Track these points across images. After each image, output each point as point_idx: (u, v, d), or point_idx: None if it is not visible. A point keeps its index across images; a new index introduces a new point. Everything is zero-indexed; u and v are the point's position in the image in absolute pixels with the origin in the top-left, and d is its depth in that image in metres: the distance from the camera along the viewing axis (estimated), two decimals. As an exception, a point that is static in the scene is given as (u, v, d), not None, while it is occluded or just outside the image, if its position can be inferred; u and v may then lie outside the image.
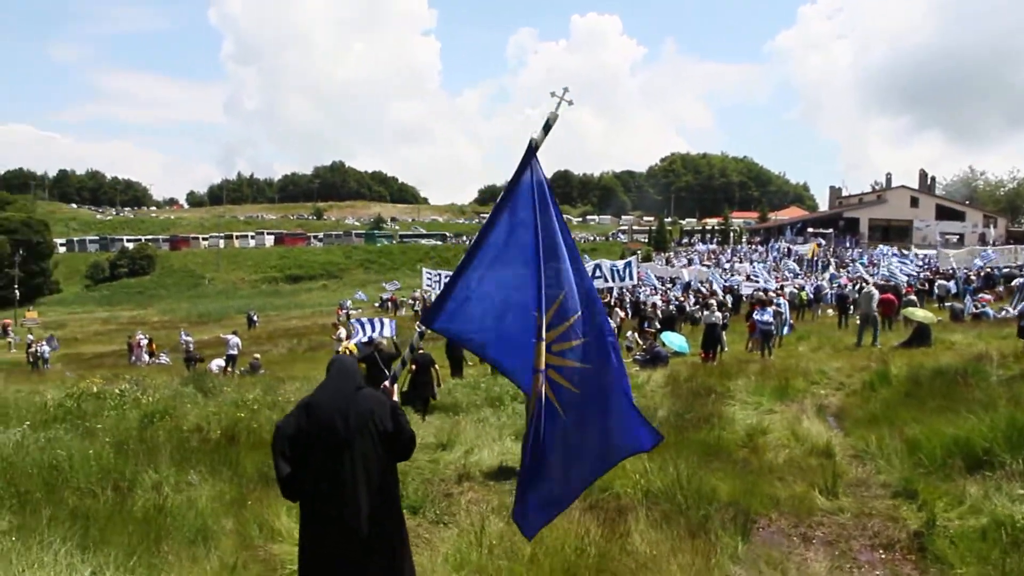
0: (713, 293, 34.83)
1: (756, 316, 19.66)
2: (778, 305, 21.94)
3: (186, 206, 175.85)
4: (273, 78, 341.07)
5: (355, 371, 4.08)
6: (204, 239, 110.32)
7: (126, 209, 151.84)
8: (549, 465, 4.07)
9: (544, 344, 4.09)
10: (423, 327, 4.59)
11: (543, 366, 4.05)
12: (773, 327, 19.44)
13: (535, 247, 4.36)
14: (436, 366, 13.67)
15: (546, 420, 4.04)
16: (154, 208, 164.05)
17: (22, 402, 14.92)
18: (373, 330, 14.52)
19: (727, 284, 42.39)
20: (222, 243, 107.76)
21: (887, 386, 12.50)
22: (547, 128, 4.47)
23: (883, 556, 5.60)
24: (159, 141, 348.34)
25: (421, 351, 14.51)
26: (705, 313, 20.58)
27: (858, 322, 21.69)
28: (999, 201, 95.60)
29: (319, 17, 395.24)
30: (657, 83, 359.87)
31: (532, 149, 4.49)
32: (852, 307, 30.38)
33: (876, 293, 21.39)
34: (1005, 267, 40.15)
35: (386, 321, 13.78)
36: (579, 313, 4.25)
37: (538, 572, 4.39)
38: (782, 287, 35.45)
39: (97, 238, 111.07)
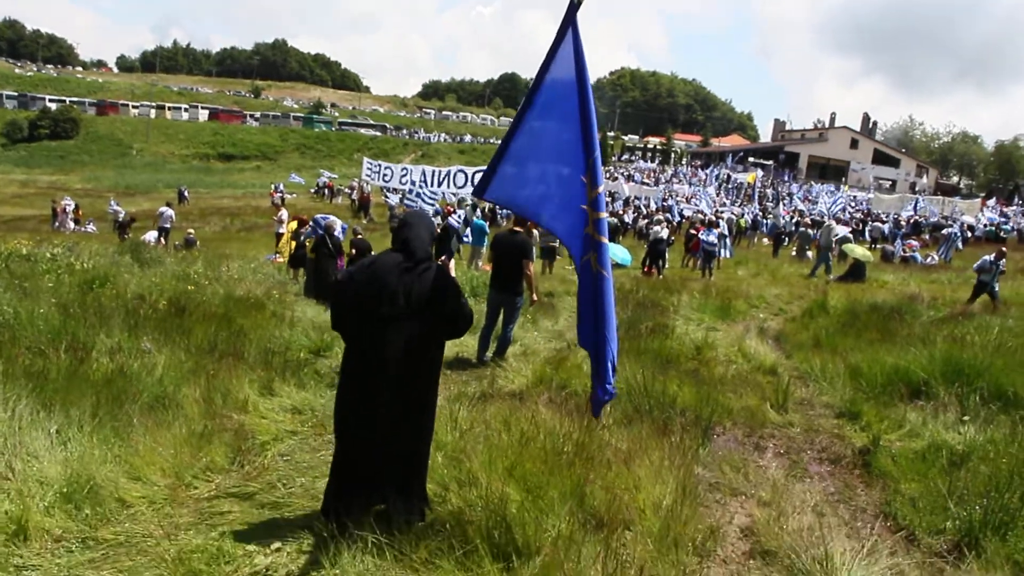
0: (660, 210, 35.22)
1: (702, 236, 19.99)
2: (721, 228, 22.31)
3: (116, 70, 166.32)
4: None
5: (425, 243, 4.03)
6: (134, 107, 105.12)
7: (49, 66, 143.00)
8: (611, 328, 4.27)
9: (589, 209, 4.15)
10: (475, 198, 4.63)
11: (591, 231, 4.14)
12: (717, 248, 19.80)
13: (580, 111, 4.32)
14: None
15: (602, 288, 4.18)
16: (80, 69, 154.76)
17: (-62, 260, 14.35)
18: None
19: (664, 204, 42.82)
20: (153, 113, 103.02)
21: (825, 315, 12.91)
22: None
23: (831, 469, 5.87)
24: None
25: (360, 236, 14.35)
26: (654, 229, 20.81)
27: (814, 253, 22.38)
28: (932, 153, 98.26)
29: None
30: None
31: (573, 6, 4.36)
32: (787, 239, 31.28)
33: (836, 227, 22.00)
34: (932, 217, 41.59)
35: (338, 223, 13.50)
36: (603, 185, 4.31)
37: (520, 457, 4.47)
38: (720, 212, 36.02)
39: (15, 94, 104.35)
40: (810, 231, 28.10)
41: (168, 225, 26.03)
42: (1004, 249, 16.78)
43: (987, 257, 15.22)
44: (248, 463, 5.06)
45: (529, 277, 8.65)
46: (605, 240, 4.36)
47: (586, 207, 4.33)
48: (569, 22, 4.38)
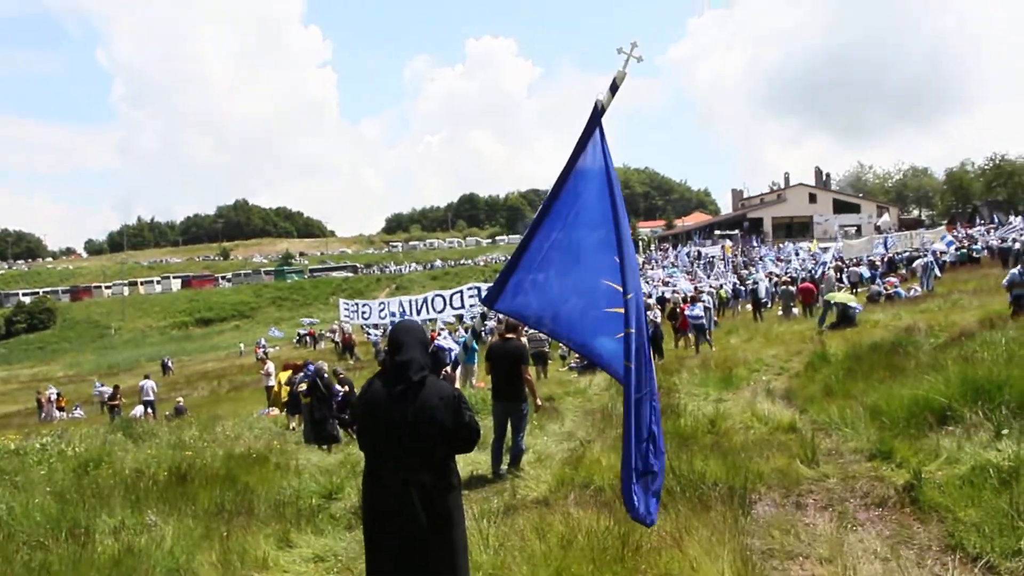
0: (648, 296, 35.37)
1: (688, 312, 20.00)
2: (705, 301, 22.37)
3: (85, 255, 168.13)
4: (167, 119, 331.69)
5: (418, 356, 3.81)
6: (107, 287, 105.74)
7: (19, 262, 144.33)
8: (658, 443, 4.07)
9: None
10: (484, 307, 4.48)
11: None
12: (704, 320, 19.79)
13: (612, 213, 4.26)
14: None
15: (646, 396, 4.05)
16: (50, 259, 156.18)
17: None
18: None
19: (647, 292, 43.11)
20: (126, 290, 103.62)
21: (827, 365, 12.83)
22: (614, 89, 4.37)
23: (880, 513, 5.65)
24: (50, 190, 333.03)
25: (342, 376, 14.20)
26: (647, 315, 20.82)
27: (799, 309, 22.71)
28: (888, 192, 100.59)
29: (211, 55, 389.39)
30: (555, 101, 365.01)
31: (598, 112, 4.38)
32: (768, 302, 31.46)
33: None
34: (904, 251, 42.12)
35: (325, 366, 13.44)
36: (633, 294, 4.22)
37: (564, 562, 4.23)
38: (697, 288, 36.25)
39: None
40: (791, 288, 28.30)
41: (151, 397, 25.71)
42: None
43: (1014, 271, 15.44)
44: (278, 622, 4.75)
45: (529, 382, 8.50)
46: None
47: (620, 310, 4.21)
48: (595, 126, 4.40)
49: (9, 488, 8.77)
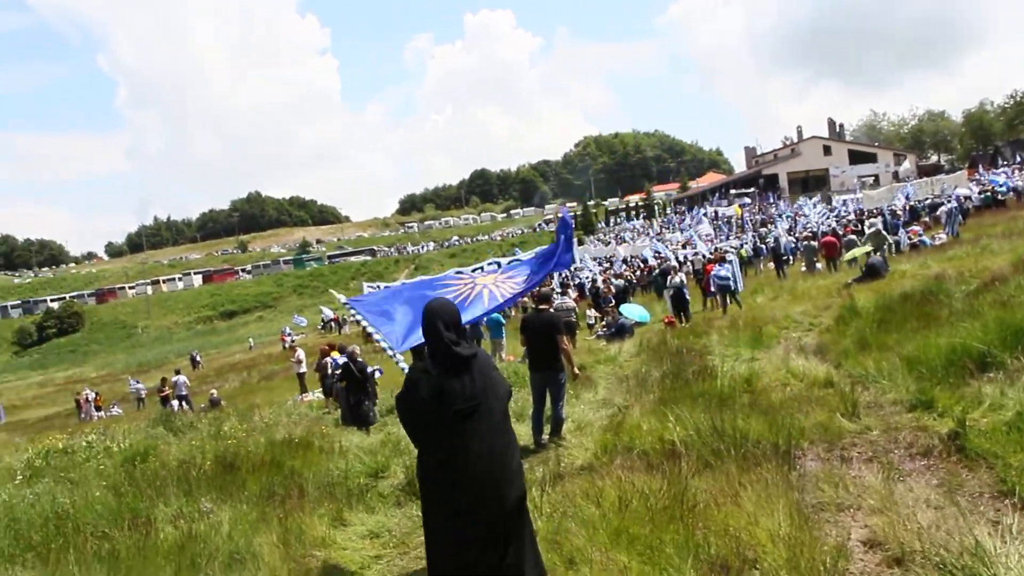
0: (666, 259, 35.34)
1: (714, 273, 19.95)
2: (730, 261, 22.29)
3: (106, 258, 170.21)
4: (174, 118, 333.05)
5: (459, 331, 3.93)
6: (131, 288, 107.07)
7: (44, 269, 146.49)
8: None
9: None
10: None
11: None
12: (731, 281, 19.73)
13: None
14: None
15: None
16: (73, 264, 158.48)
17: (-18, 469, 14.30)
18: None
19: (660, 254, 42.94)
20: (150, 290, 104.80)
21: (858, 318, 12.73)
22: None
23: (926, 463, 5.67)
24: (67, 198, 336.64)
25: (360, 360, 14.31)
26: (673, 279, 20.75)
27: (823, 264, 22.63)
28: (904, 138, 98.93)
29: (212, 52, 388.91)
30: (557, 71, 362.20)
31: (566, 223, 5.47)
32: (790, 258, 31.29)
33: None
34: (926, 199, 41.58)
35: (358, 349, 13.54)
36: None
37: (622, 523, 4.31)
38: (717, 248, 36.07)
39: (19, 302, 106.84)
40: (813, 243, 28.11)
41: (185, 391, 26.08)
42: None
43: None
44: (343, 597, 4.88)
45: (566, 351, 8.57)
46: None
47: None
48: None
49: (66, 484, 9.02)
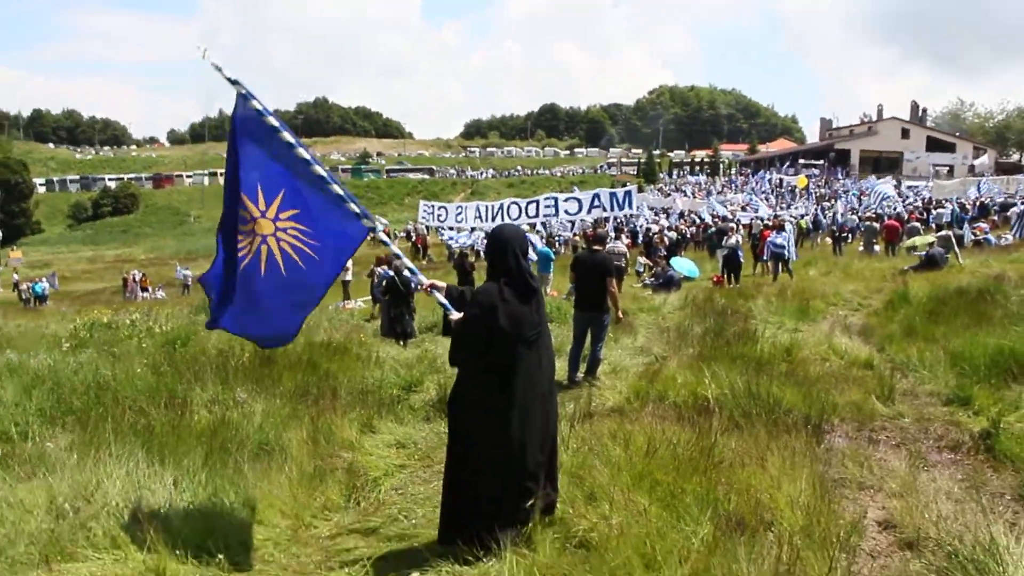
0: (724, 220, 34.98)
1: (770, 239, 19.70)
2: (788, 230, 21.96)
3: (167, 144, 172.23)
4: (251, 11, 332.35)
5: (527, 262, 4.23)
6: (188, 176, 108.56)
7: (105, 148, 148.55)
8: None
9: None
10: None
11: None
12: (785, 250, 19.47)
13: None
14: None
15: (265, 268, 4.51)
16: (134, 147, 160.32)
17: (30, 335, 14.84)
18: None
19: (717, 214, 42.41)
20: (206, 180, 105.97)
21: (908, 306, 12.53)
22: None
23: (953, 457, 5.65)
24: (136, 79, 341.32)
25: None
26: (728, 239, 20.54)
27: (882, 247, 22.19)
28: (988, 132, 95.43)
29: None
30: (642, 14, 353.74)
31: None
32: (850, 236, 30.69)
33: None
34: (1000, 197, 40.33)
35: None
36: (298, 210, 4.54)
37: (647, 467, 4.40)
38: (778, 216, 35.53)
39: (78, 178, 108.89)
40: (875, 224, 27.51)
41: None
42: None
43: None
44: (364, 499, 5.06)
45: (614, 294, 8.59)
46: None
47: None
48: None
49: (108, 358, 9.35)
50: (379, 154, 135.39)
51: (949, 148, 76.71)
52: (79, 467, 5.05)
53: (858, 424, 6.42)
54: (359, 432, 6.35)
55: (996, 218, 33.93)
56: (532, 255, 19.55)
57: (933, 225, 33.15)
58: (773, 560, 3.35)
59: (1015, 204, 33.77)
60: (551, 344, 4.31)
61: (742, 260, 19.84)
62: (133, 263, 51.59)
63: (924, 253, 19.01)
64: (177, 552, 4.03)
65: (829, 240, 31.77)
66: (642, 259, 24.38)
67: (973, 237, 26.43)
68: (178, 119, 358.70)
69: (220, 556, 4.07)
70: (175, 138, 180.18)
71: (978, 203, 37.92)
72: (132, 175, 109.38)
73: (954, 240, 20.40)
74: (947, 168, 70.81)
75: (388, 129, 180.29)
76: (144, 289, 33.72)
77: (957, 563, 3.55)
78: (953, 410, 6.85)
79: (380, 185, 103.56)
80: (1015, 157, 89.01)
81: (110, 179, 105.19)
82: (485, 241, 5.35)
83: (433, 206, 42.77)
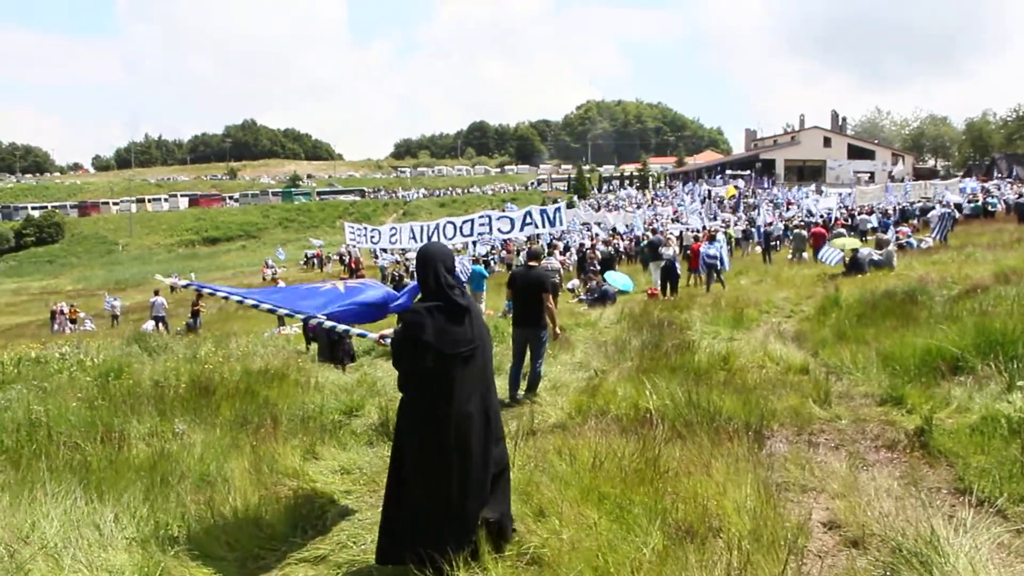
0: (656, 232, 35.41)
1: (702, 250, 20.06)
2: (720, 241, 22.41)
3: (92, 171, 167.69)
4: (174, 34, 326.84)
5: (454, 276, 4.16)
6: (115, 204, 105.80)
7: (27, 176, 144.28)
8: None
9: None
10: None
11: None
12: (718, 260, 19.85)
13: None
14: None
15: None
16: (58, 174, 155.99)
17: (-49, 371, 14.26)
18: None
19: (652, 228, 43.04)
20: (134, 207, 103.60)
21: (839, 310, 12.89)
22: None
23: (890, 455, 5.81)
24: (57, 104, 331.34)
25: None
26: (665, 251, 20.85)
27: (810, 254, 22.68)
28: (905, 140, 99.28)
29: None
30: (568, 31, 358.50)
31: None
32: (777, 244, 31.46)
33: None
34: (918, 201, 41.84)
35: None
36: None
37: (594, 481, 4.42)
38: (710, 227, 36.21)
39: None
40: (804, 233, 28.25)
41: (162, 313, 26.02)
42: None
43: None
44: (311, 527, 4.97)
45: (551, 310, 8.63)
46: None
47: None
48: None
49: (39, 393, 9.03)
50: (309, 176, 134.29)
51: (869, 155, 79.40)
52: (12, 508, 4.86)
53: (797, 428, 6.57)
54: (302, 459, 6.24)
55: (916, 222, 35.17)
56: (460, 272, 19.57)
57: (859, 231, 34.25)
58: (724, 566, 3.41)
59: (934, 208, 35.07)
60: (490, 365, 4.20)
61: (680, 272, 20.17)
62: (60, 295, 50.02)
63: (848, 259, 19.54)
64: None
65: (759, 249, 32.55)
66: (575, 280, 24.64)
67: (897, 241, 27.35)
68: (103, 145, 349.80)
69: (165, 594, 3.96)
70: (100, 164, 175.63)
71: (899, 208, 39.29)
72: (56, 203, 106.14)
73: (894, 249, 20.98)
74: (868, 175, 73.21)
75: (317, 151, 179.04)
76: (72, 321, 32.71)
77: (901, 557, 3.67)
78: (887, 410, 7.05)
79: (311, 208, 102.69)
80: (931, 163, 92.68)
81: (33, 208, 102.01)
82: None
83: (364, 228, 42.52)
